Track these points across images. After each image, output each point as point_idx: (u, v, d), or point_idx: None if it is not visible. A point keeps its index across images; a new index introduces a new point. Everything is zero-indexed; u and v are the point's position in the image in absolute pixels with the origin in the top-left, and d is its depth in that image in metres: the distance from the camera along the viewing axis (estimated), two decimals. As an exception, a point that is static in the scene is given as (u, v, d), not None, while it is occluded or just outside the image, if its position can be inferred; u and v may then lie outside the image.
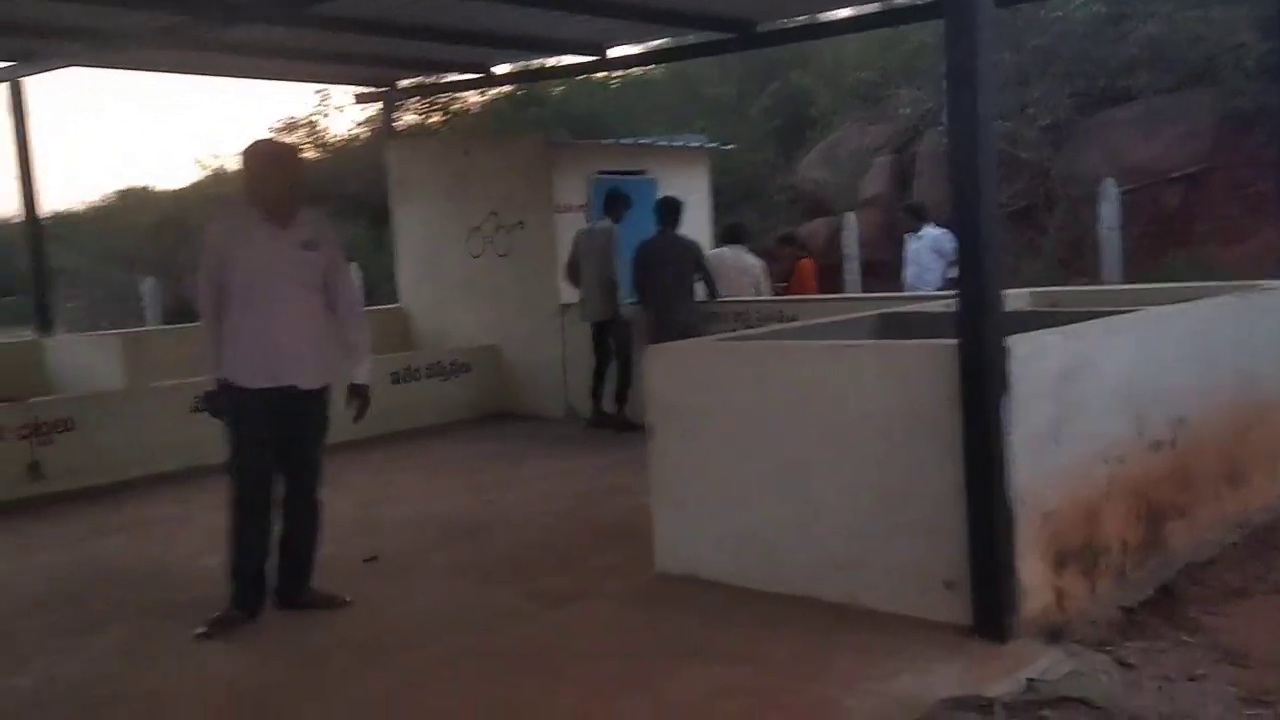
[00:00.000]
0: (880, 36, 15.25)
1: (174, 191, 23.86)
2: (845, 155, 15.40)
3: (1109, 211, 10.06)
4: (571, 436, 8.20)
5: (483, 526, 5.71)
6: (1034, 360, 3.77)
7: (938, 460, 3.75)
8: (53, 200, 26.44)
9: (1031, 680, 3.38)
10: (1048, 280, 9.83)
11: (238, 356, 4.29)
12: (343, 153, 20.73)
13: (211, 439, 4.47)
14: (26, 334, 10.50)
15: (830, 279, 11.43)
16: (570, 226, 8.83)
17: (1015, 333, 3.76)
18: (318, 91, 20.31)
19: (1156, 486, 4.40)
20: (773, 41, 9.65)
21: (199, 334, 4.39)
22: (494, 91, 18.85)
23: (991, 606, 3.66)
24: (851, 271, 12.27)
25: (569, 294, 8.66)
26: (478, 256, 9.45)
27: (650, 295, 8.01)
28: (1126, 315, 4.64)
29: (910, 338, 4.64)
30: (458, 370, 9.13)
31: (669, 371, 4.56)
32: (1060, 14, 13.68)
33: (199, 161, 30.71)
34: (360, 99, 11.16)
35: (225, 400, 4.33)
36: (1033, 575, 3.74)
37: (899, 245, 10.42)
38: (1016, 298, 5.57)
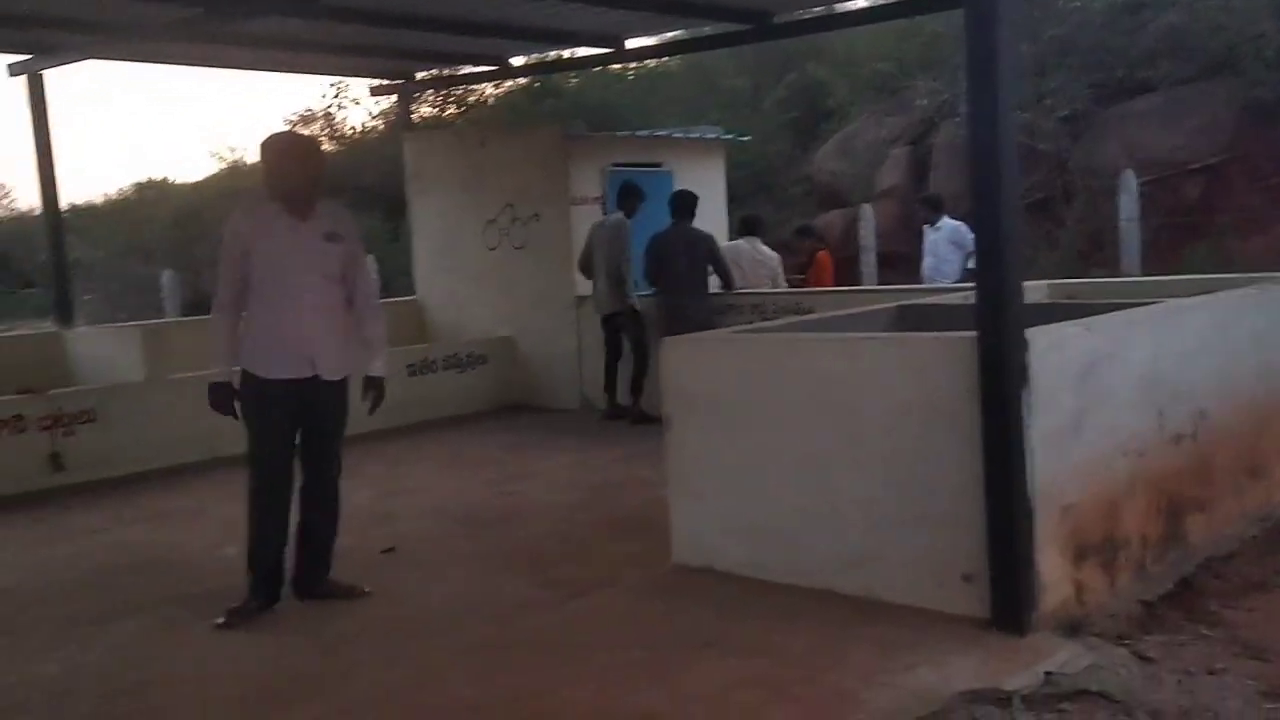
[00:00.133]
0: (896, 27, 15.16)
1: (191, 185, 23.99)
2: (861, 147, 15.34)
3: (1128, 203, 10.00)
4: (587, 428, 8.21)
5: (500, 517, 5.73)
6: (1054, 353, 3.76)
7: (956, 453, 3.74)
8: (71, 193, 26.66)
9: (1050, 674, 3.37)
10: (1066, 273, 9.78)
11: (258, 348, 4.32)
12: (359, 145, 20.80)
13: (230, 431, 4.50)
14: (47, 326, 10.60)
15: (846, 271, 11.40)
16: (586, 219, 8.84)
17: (1034, 325, 3.75)
18: (333, 84, 20.40)
19: (1177, 480, 4.38)
20: (789, 33, 9.61)
21: (211, 326, 4.39)
22: (510, 83, 18.88)
23: (1010, 600, 3.65)
24: (868, 263, 12.24)
25: (584, 286, 8.68)
26: (494, 249, 9.47)
27: (663, 287, 8.02)
28: (1147, 307, 4.61)
29: (928, 330, 4.63)
30: (474, 362, 9.16)
31: (686, 363, 4.56)
32: (1078, 4, 13.60)
33: (215, 154, 30.85)
34: (376, 91, 11.19)
35: (243, 391, 4.35)
36: (1052, 569, 3.72)
37: (916, 237, 10.39)
38: (1034, 290, 5.54)
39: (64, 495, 6.72)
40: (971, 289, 3.90)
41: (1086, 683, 3.32)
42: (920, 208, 10.15)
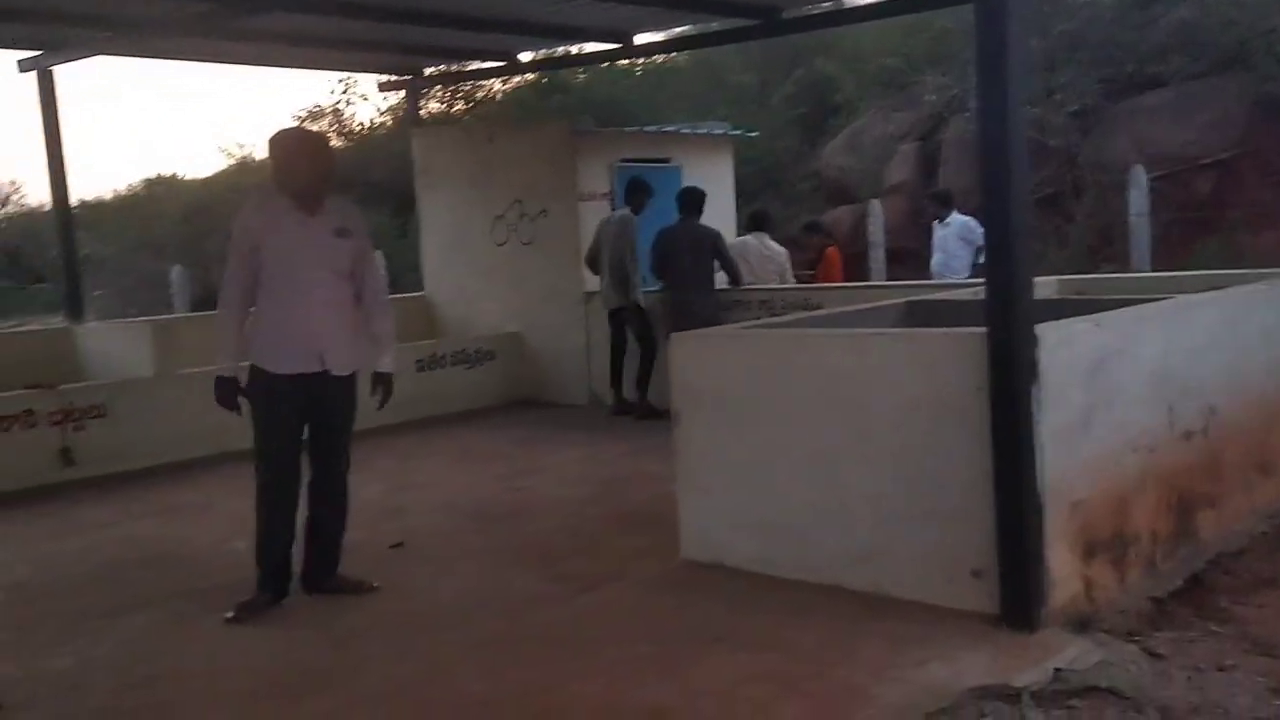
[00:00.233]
0: (905, 22, 15.12)
1: (201, 180, 24.05)
2: (869, 142, 15.31)
3: (1138, 198, 9.96)
4: (595, 423, 8.22)
5: (509, 512, 5.74)
6: (1063, 349, 3.75)
7: (965, 449, 3.73)
8: (81, 189, 26.74)
9: (1059, 670, 3.36)
10: (1075, 269, 9.76)
11: (267, 343, 4.33)
12: (367, 141, 20.82)
13: (238, 426, 4.51)
14: (57, 321, 10.63)
15: (855, 267, 11.38)
16: (594, 214, 8.85)
17: (1044, 321, 3.74)
18: (341, 80, 20.43)
19: (1187, 476, 4.37)
20: (797, 28, 9.59)
21: (217, 321, 4.39)
22: (518, 79, 18.89)
23: (1019, 596, 3.64)
24: (876, 259, 12.21)
25: (593, 282, 8.68)
26: (502, 244, 9.48)
27: (669, 283, 8.03)
28: (1157, 303, 4.60)
29: (937, 326, 4.62)
30: (482, 358, 9.17)
31: (695, 359, 4.56)
32: (1088, -2, 13.54)
33: (225, 150, 30.90)
34: (384, 87, 11.20)
35: (252, 386, 4.36)
36: (1061, 565, 3.72)
37: (924, 233, 10.37)
38: (1044, 286, 5.54)
39: (74, 489, 6.75)
40: (981, 285, 3.89)
41: (1096, 679, 3.32)
42: (929, 203, 10.14)
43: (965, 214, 9.25)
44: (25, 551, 5.52)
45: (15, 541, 5.74)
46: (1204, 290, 4.99)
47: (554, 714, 3.29)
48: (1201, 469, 4.47)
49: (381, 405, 4.59)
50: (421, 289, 10.45)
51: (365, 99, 21.28)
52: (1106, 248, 11.71)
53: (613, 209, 8.85)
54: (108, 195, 25.40)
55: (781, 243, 9.17)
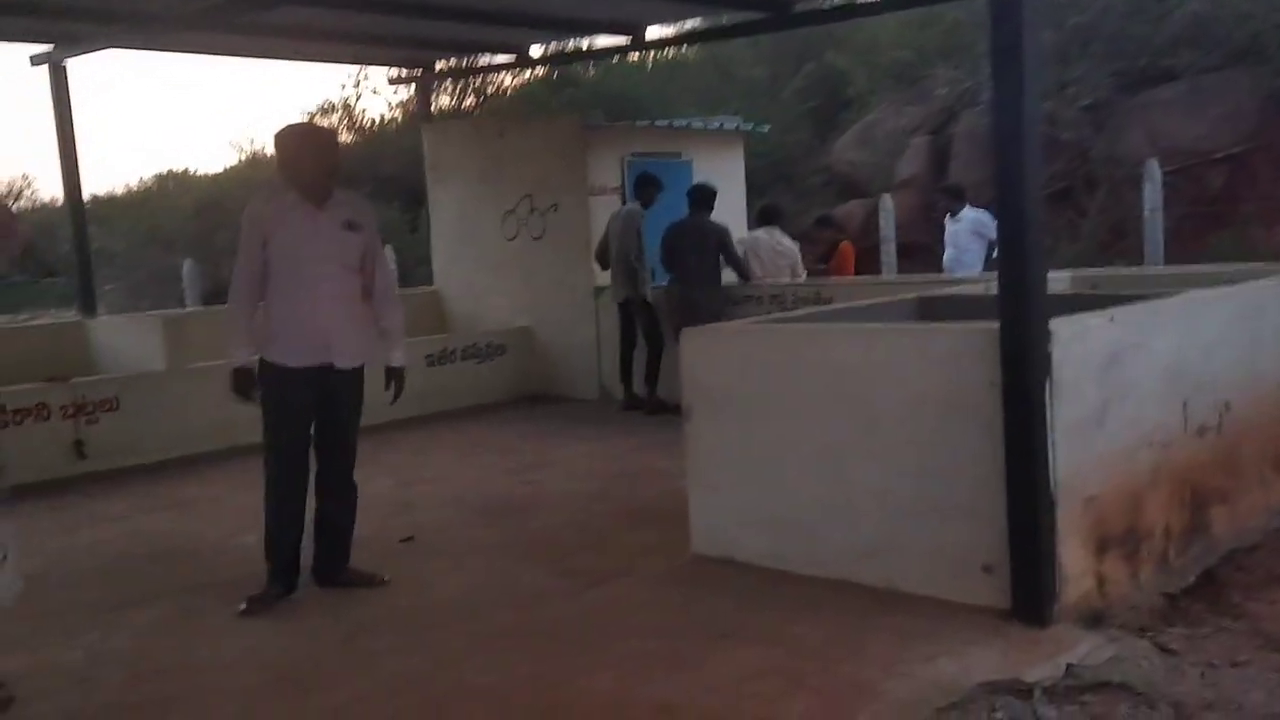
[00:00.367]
0: (917, 15, 15.07)
1: (212, 176, 24.13)
2: (881, 136, 15.25)
3: (1152, 193, 9.89)
4: (605, 418, 8.21)
5: (518, 507, 5.75)
6: (1077, 343, 3.72)
7: (977, 444, 3.72)
8: (93, 184, 26.86)
9: (1071, 665, 3.35)
10: (1087, 263, 9.69)
11: (275, 336, 4.33)
12: (377, 136, 20.83)
13: (248, 420, 4.52)
14: (70, 315, 10.68)
15: (866, 262, 11.35)
16: (605, 209, 8.84)
17: (1057, 315, 3.72)
18: (351, 75, 20.44)
19: (1201, 472, 4.34)
20: (809, 21, 9.54)
21: (227, 314, 4.38)
22: (528, 74, 18.87)
23: (1031, 591, 3.63)
24: (888, 254, 12.17)
25: (603, 277, 8.67)
26: (512, 239, 9.48)
27: (676, 278, 8.03)
28: (1171, 298, 4.56)
29: (950, 321, 4.60)
30: (493, 353, 9.18)
31: (705, 354, 4.55)
32: (1101, -9, 13.45)
33: (235, 145, 30.99)
34: (394, 81, 11.19)
35: (260, 380, 4.36)
36: (1073, 560, 3.70)
37: (936, 228, 10.33)
38: (1057, 280, 5.50)
39: (86, 483, 6.78)
40: (993, 279, 3.87)
41: (1108, 674, 3.30)
42: (941, 197, 10.09)
43: (977, 208, 9.21)
44: (38, 544, 5.54)
45: (29, 534, 5.76)
46: (1218, 285, 4.95)
47: (562, 708, 3.29)
48: (1216, 465, 4.44)
49: (395, 399, 4.59)
50: (431, 283, 10.47)
51: (376, 93, 21.30)
52: (1119, 242, 11.65)
53: (623, 203, 8.84)
54: (119, 190, 25.53)
55: (793, 237, 9.15)
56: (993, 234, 7.66)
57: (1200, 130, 12.05)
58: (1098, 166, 12.54)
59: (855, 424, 4.04)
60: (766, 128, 13.00)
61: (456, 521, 5.54)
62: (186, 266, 14.20)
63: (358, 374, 4.48)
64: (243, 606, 4.28)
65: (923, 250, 12.11)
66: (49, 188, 30.06)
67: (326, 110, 21.44)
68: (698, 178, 9.15)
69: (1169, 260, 9.66)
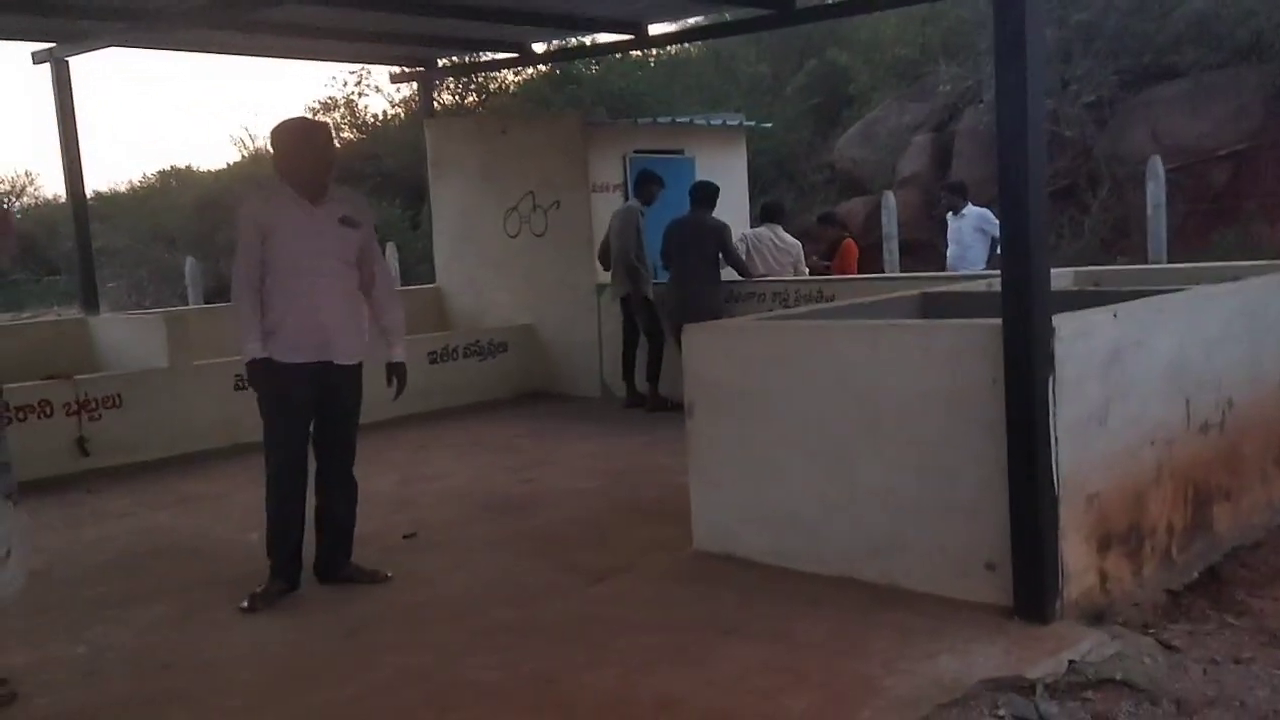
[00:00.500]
0: (919, 12, 15.05)
1: (214, 172, 24.12)
2: (883, 133, 15.24)
3: (1156, 190, 9.89)
4: (607, 416, 8.22)
5: (520, 504, 5.75)
6: (1080, 340, 3.72)
7: (980, 441, 3.71)
8: (95, 181, 26.86)
9: (1073, 662, 3.34)
10: (1090, 260, 9.70)
11: (275, 333, 4.32)
12: (379, 132, 20.83)
13: (251, 417, 4.52)
14: (73, 313, 10.69)
15: (868, 259, 11.34)
16: (607, 206, 8.84)
17: (1060, 312, 3.71)
18: (353, 72, 20.44)
19: (1204, 469, 4.34)
20: (812, 18, 9.54)
21: (236, 309, 4.37)
22: (531, 71, 18.86)
23: (1033, 588, 3.62)
24: (890, 251, 12.17)
25: (605, 274, 8.67)
26: (514, 236, 9.48)
27: (674, 275, 8.03)
28: (1174, 295, 4.56)
29: (952, 317, 4.59)
30: (494, 350, 9.18)
31: (708, 351, 4.55)
32: (1105, -12, 13.43)
33: (237, 142, 30.98)
34: (397, 79, 11.19)
35: (260, 377, 4.36)
36: (1076, 557, 3.70)
37: (938, 225, 10.32)
38: (1059, 277, 5.49)
39: (90, 479, 6.79)
40: (996, 276, 3.86)
41: (1111, 671, 3.30)
42: (943, 195, 10.08)
43: (979, 206, 9.20)
44: (41, 541, 5.53)
45: (28, 532, 5.76)
46: (1221, 282, 4.95)
47: (565, 704, 3.29)
48: (1218, 462, 4.44)
49: (398, 395, 4.59)
50: (434, 280, 10.47)
51: (378, 91, 21.26)
52: (1122, 239, 11.65)
53: (626, 200, 8.84)
54: (122, 187, 25.51)
55: (795, 234, 9.14)
56: (996, 231, 7.65)
57: (1203, 127, 12.04)
58: (1101, 164, 12.53)
59: (857, 421, 4.04)
60: (769, 125, 12.99)
61: (459, 518, 5.54)
62: (189, 264, 14.22)
63: (357, 370, 4.48)
64: (245, 603, 4.29)
65: (925, 247, 12.11)
66: (52, 185, 30.06)
67: (329, 107, 21.45)
68: (700, 175, 9.14)
69: (1172, 258, 9.65)
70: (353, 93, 21.32)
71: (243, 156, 23.73)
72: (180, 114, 45.84)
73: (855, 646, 3.52)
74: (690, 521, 4.56)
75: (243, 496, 5.85)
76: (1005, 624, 3.60)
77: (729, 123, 10.49)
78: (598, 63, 18.15)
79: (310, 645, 3.94)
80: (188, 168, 25.22)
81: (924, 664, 3.35)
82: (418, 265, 14.66)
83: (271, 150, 4.42)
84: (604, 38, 9.96)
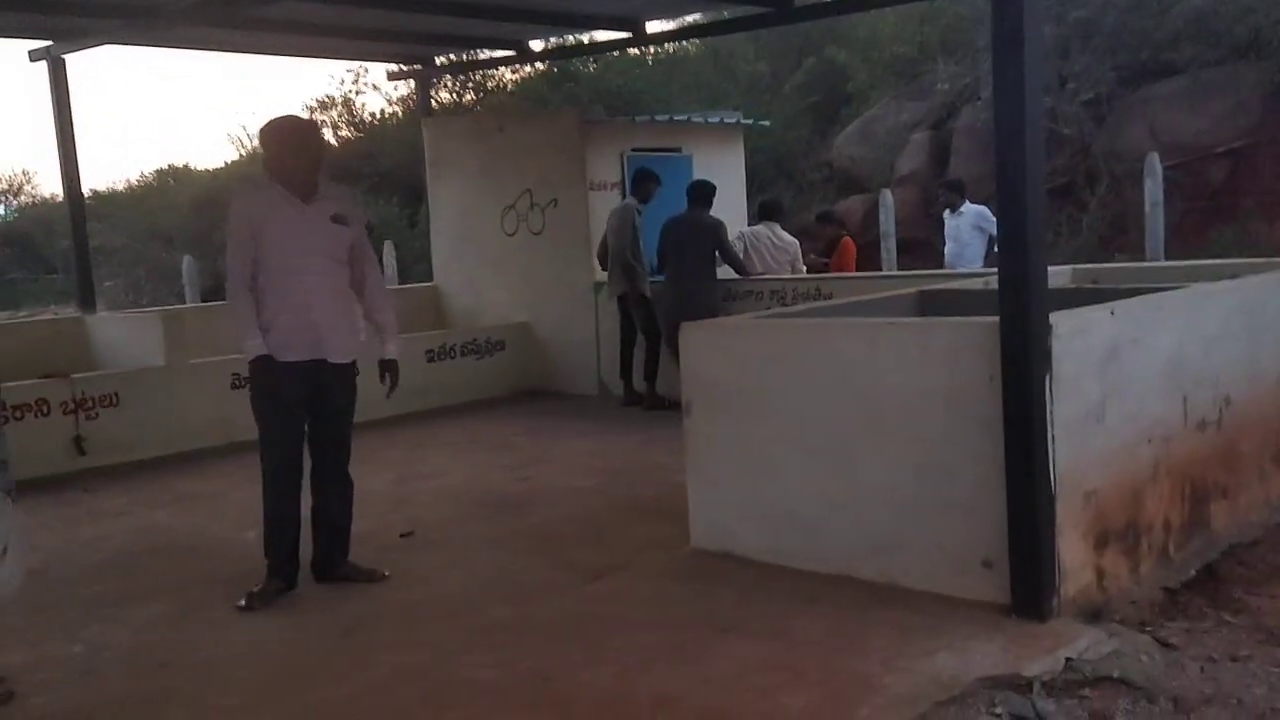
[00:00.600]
0: (917, 10, 15.04)
1: (212, 170, 24.09)
2: (881, 131, 15.23)
3: (1154, 187, 9.88)
4: (604, 414, 8.21)
5: (518, 502, 5.74)
6: (1078, 338, 3.72)
7: (977, 439, 3.71)
8: (93, 180, 26.83)
9: (1071, 660, 3.34)
10: (1088, 258, 9.71)
11: (268, 331, 4.30)
12: (377, 130, 20.81)
13: (248, 415, 4.50)
14: (70, 311, 10.68)
15: (866, 257, 11.34)
16: (605, 204, 8.83)
17: (1057, 310, 3.71)
18: (350, 70, 20.41)
19: (1201, 467, 4.34)
20: (810, 15, 9.53)
21: (231, 307, 4.35)
22: (528, 69, 18.84)
23: (1031, 586, 3.62)
24: (888, 249, 12.16)
25: (603, 273, 8.67)
26: (512, 234, 9.47)
27: (670, 274, 8.03)
28: (1172, 292, 4.56)
29: (950, 315, 4.59)
30: (492, 348, 9.18)
31: (706, 349, 4.54)
32: (1103, -15, 13.41)
33: (234, 140, 30.93)
34: (394, 76, 11.18)
35: (252, 375, 4.35)
36: (1073, 555, 3.70)
37: (936, 223, 10.31)
38: (1057, 275, 5.49)
39: (87, 478, 6.78)
40: (993, 274, 3.86)
41: (1108, 669, 3.30)
42: (941, 193, 10.08)
43: (977, 204, 9.19)
44: (38, 540, 5.53)
45: (27, 530, 5.76)
46: (1219, 279, 4.95)
47: (562, 702, 3.28)
48: (1216, 459, 4.44)
49: (390, 392, 4.59)
50: (431, 279, 10.46)
51: (376, 89, 21.28)
52: (1120, 237, 11.65)
53: (623, 199, 8.83)
54: (119, 186, 25.47)
55: (793, 232, 9.13)
56: (994, 229, 7.65)
57: (1201, 125, 12.03)
58: (1099, 161, 12.53)
59: (855, 419, 4.04)
60: (767, 123, 12.97)
61: (456, 517, 5.54)
62: (186, 262, 14.21)
63: (350, 369, 4.48)
64: (242, 601, 4.28)
65: (923, 245, 12.11)
66: (49, 184, 30.03)
67: (326, 105, 21.42)
68: (698, 173, 9.14)
69: (1170, 255, 9.65)
70: (350, 91, 21.36)
71: (240, 155, 23.70)
72: (177, 112, 45.82)
73: (853, 644, 3.52)
74: (688, 519, 4.56)
75: (239, 495, 5.85)
76: (1003, 622, 3.60)
77: (727, 121, 10.49)
78: (596, 61, 18.13)
79: (307, 644, 3.93)
80: (185, 166, 25.18)
81: (922, 662, 3.35)
82: (415, 264, 14.65)
83: (261, 149, 4.41)
84: (602, 35, 9.95)
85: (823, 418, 4.12)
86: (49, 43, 8.37)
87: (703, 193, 8.14)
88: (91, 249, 9.47)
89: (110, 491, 6.52)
